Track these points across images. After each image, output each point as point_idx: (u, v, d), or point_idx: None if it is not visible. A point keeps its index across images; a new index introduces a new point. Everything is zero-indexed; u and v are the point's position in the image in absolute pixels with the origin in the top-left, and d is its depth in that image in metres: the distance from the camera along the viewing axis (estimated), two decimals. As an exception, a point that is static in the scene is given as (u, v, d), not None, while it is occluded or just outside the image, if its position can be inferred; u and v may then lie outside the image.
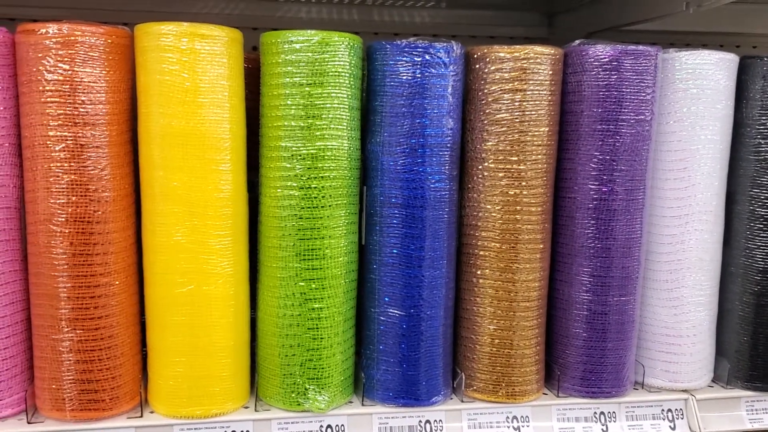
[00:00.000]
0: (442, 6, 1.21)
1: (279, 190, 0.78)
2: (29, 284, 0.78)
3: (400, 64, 0.79)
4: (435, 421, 0.83)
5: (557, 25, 1.26)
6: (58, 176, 0.74)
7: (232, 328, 0.80)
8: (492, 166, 0.81)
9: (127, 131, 0.78)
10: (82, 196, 0.74)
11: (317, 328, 0.79)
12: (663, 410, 0.89)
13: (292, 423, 0.80)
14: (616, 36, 0.82)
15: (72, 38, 0.73)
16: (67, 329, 0.75)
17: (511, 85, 0.80)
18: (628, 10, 1.06)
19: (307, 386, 0.80)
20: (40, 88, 0.73)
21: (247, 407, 0.82)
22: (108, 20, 0.78)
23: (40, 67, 0.73)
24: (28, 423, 0.77)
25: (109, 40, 0.75)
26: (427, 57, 0.78)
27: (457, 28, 1.25)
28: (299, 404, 0.80)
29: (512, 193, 0.81)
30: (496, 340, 0.84)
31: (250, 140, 0.81)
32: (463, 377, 0.85)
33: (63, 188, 0.74)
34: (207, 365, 0.78)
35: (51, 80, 0.73)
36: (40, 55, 0.73)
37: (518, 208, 0.82)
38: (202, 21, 0.75)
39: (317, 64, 0.76)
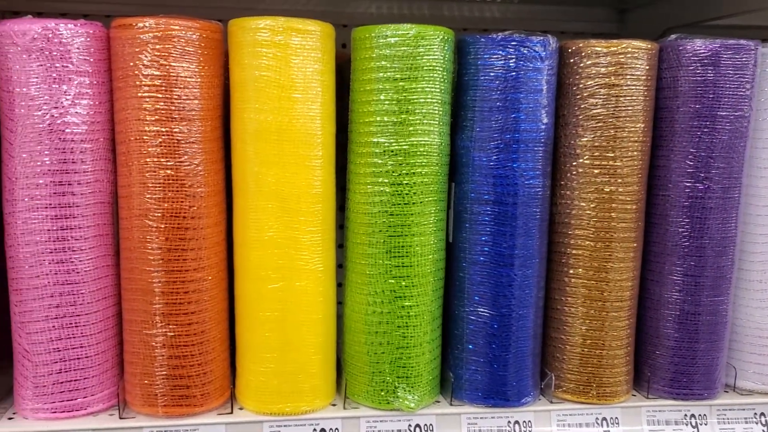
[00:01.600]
0: (514, 1, 1.19)
1: (369, 186, 0.77)
2: (121, 279, 0.78)
3: (495, 58, 0.77)
4: (524, 422, 0.82)
5: (629, 21, 1.23)
6: (154, 172, 0.74)
7: (322, 324, 0.79)
8: (587, 162, 0.80)
9: (219, 127, 0.78)
10: (177, 191, 0.74)
11: (407, 326, 0.78)
12: (756, 414, 0.86)
13: (380, 421, 0.79)
14: (695, 32, 0.80)
15: (169, 33, 0.73)
16: (160, 324, 0.75)
17: (607, 80, 0.78)
18: (713, 5, 1.03)
19: (397, 385, 0.79)
20: (137, 83, 0.73)
21: (334, 405, 0.81)
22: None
23: (137, 62, 0.73)
24: (120, 418, 0.76)
25: (204, 35, 0.74)
26: (523, 50, 0.77)
27: (526, 24, 1.23)
28: (388, 403, 0.79)
29: (607, 190, 0.80)
30: (588, 341, 0.82)
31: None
32: (553, 377, 0.83)
33: (159, 184, 0.74)
34: (297, 361, 0.78)
35: (147, 75, 0.73)
36: (136, 49, 0.73)
37: (613, 205, 0.80)
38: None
39: (412, 58, 0.75)
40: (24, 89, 0.72)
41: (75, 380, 0.76)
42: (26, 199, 0.73)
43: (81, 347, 0.75)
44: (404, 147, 0.76)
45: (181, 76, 0.73)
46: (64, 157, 0.73)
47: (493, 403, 0.81)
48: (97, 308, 0.76)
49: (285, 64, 0.74)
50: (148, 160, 0.74)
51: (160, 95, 0.73)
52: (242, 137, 0.76)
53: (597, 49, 0.78)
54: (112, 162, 0.77)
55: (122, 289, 0.78)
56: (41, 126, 0.72)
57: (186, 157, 0.74)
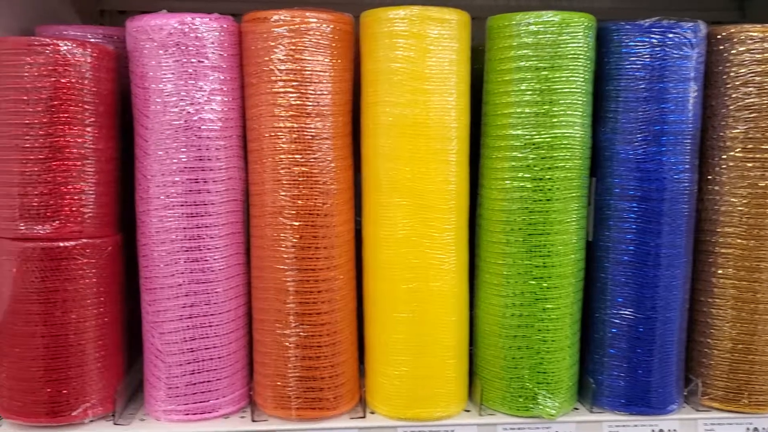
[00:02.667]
0: (625, -11, 1.14)
1: (507, 182, 0.73)
2: (252, 278, 0.76)
3: (641, 45, 0.73)
4: (669, 431, 0.77)
5: (750, 9, 1.17)
6: (288, 168, 0.72)
7: (457, 326, 0.76)
8: (739, 155, 0.74)
9: (350, 122, 0.76)
10: (311, 188, 0.72)
11: (548, 330, 0.74)
12: None
13: (518, 429, 0.76)
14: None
15: (304, 25, 0.71)
16: (294, 324, 0.73)
17: (763, 67, 0.73)
18: None
19: (537, 391, 0.75)
20: (271, 78, 0.71)
21: (467, 411, 0.78)
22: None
23: (271, 56, 0.71)
24: (253, 421, 0.75)
25: (337, 27, 0.72)
26: (671, 37, 0.72)
27: (638, 13, 1.17)
28: (528, 409, 0.75)
29: (762, 184, 0.74)
30: (738, 345, 0.77)
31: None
32: (699, 384, 0.78)
33: (293, 181, 0.72)
34: (432, 365, 0.75)
35: (282, 70, 0.71)
36: (270, 43, 0.71)
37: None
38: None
39: (555, 46, 0.71)
40: (159, 85, 0.71)
41: (207, 381, 0.74)
42: (161, 197, 0.72)
43: (214, 347, 0.74)
44: (546, 139, 0.72)
45: (316, 71, 0.71)
46: (200, 155, 0.72)
47: (636, 411, 0.77)
48: (230, 307, 0.75)
49: (421, 55, 0.71)
50: (282, 156, 0.72)
51: (294, 90, 0.71)
52: (374, 132, 0.73)
53: (752, 34, 0.73)
54: (244, 159, 0.75)
55: (253, 287, 0.76)
56: (177, 123, 0.71)
57: (320, 153, 0.72)
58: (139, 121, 0.73)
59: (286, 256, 0.72)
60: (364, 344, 0.79)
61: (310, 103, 0.71)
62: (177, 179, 0.71)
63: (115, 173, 0.74)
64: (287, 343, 0.73)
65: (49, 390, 0.71)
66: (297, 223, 0.72)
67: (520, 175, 0.73)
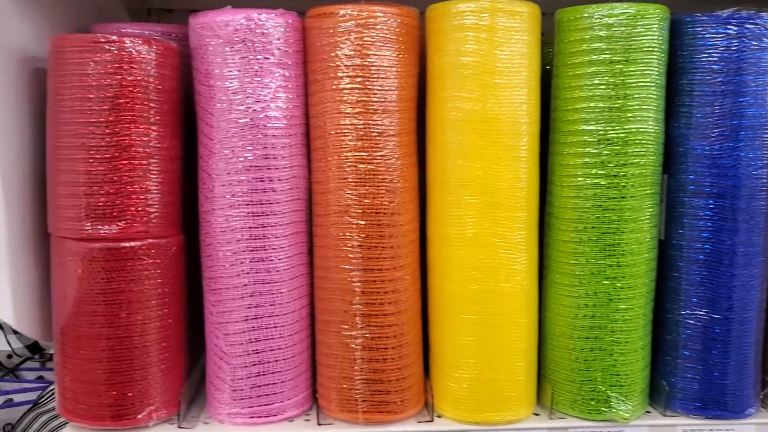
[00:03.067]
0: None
1: (580, 179, 0.71)
2: (315, 278, 0.75)
3: (718, 38, 0.70)
4: (745, 436, 0.74)
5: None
6: (353, 166, 0.70)
7: (527, 328, 0.74)
8: (820, 149, 0.72)
9: (415, 118, 0.74)
10: (378, 186, 0.71)
11: (621, 331, 0.72)
12: None
13: (589, 433, 0.73)
14: None
15: (371, 20, 0.69)
16: (360, 325, 0.71)
17: None
18: None
19: (610, 394, 0.73)
20: (338, 74, 0.70)
21: (536, 414, 0.76)
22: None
23: (337, 52, 0.70)
24: (318, 425, 0.73)
25: (404, 21, 0.71)
26: (750, 28, 0.70)
27: (712, 5, 1.14)
28: (600, 413, 0.73)
29: None
30: (819, 347, 0.74)
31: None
32: (777, 388, 0.76)
33: (359, 179, 0.70)
34: (501, 368, 0.73)
35: (349, 65, 0.69)
36: (337, 39, 0.70)
37: None
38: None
39: (630, 39, 0.69)
40: (225, 83, 0.69)
41: (272, 383, 0.73)
42: (227, 196, 0.70)
43: (279, 349, 0.72)
44: (621, 135, 0.70)
45: (382, 66, 0.70)
46: (266, 153, 0.70)
47: (711, 415, 0.74)
48: (294, 308, 0.73)
49: (491, 49, 0.69)
50: (347, 154, 0.70)
51: (360, 86, 0.70)
52: (442, 128, 0.72)
53: (836, 23, 0.70)
54: (307, 158, 0.74)
55: (316, 288, 0.75)
56: (243, 121, 0.69)
57: (386, 150, 0.70)
58: (203, 119, 0.71)
59: (351, 255, 0.71)
60: (429, 346, 0.77)
61: (376, 99, 0.70)
62: (243, 178, 0.70)
63: (179, 172, 0.73)
64: (353, 345, 0.72)
65: (114, 393, 0.70)
66: (363, 222, 0.70)
67: (594, 171, 0.71)
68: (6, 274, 0.70)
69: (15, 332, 0.99)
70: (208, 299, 0.73)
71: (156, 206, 0.70)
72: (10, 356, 1.14)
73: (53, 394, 0.96)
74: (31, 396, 1.04)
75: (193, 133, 0.74)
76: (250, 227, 0.71)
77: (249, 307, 0.71)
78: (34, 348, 1.01)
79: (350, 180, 0.70)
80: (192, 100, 0.73)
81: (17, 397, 1.04)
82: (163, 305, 0.71)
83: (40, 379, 1.10)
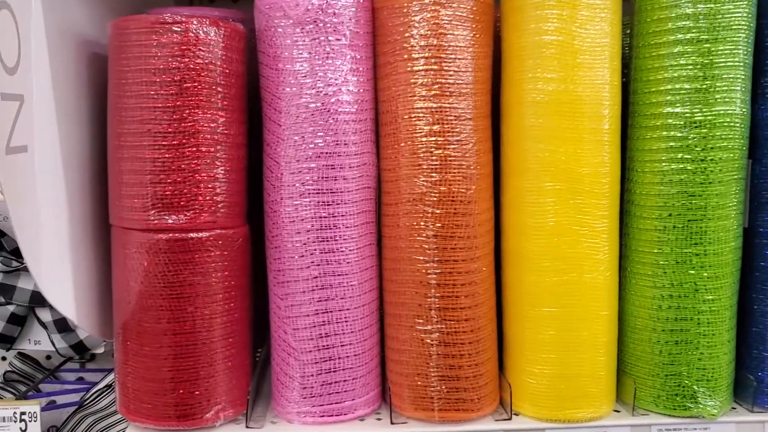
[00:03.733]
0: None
1: (664, 164, 0.68)
2: (384, 270, 0.72)
3: (809, 15, 0.67)
4: (838, 432, 0.71)
5: None
6: (428, 152, 0.67)
7: (609, 321, 0.71)
8: None
9: (490, 101, 0.71)
10: (454, 173, 0.68)
11: (708, 323, 0.69)
12: None
13: (673, 429, 0.70)
14: None
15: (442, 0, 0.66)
16: (435, 320, 0.68)
17: None
18: None
19: (696, 389, 0.69)
20: (413, 55, 0.67)
21: (617, 411, 0.72)
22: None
23: (411, 32, 0.67)
24: (392, 423, 0.70)
25: (479, 0, 0.67)
26: (840, 4, 0.66)
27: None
28: (686, 409, 0.70)
29: None
30: None
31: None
32: None
33: (433, 165, 0.67)
34: (582, 363, 0.69)
35: (421, 46, 0.67)
36: (410, 19, 0.67)
37: None
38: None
39: (717, 16, 0.66)
40: (295, 66, 0.67)
41: (343, 381, 0.69)
42: (297, 185, 0.67)
43: (350, 344, 0.69)
44: (708, 117, 0.67)
45: (458, 47, 0.67)
46: (336, 139, 0.67)
47: (802, 411, 0.71)
48: (364, 301, 0.70)
49: (574, 27, 0.66)
50: (422, 139, 0.67)
51: (435, 68, 0.67)
52: (520, 110, 0.69)
53: None
54: (376, 143, 0.71)
55: (386, 280, 0.72)
56: (314, 106, 0.66)
57: (463, 134, 0.68)
58: (270, 104, 0.68)
59: (426, 246, 0.68)
60: (504, 341, 0.74)
61: (452, 81, 0.67)
62: (313, 165, 0.67)
63: (245, 160, 0.70)
64: (428, 340, 0.69)
65: (180, 391, 0.67)
66: (438, 211, 0.67)
67: (680, 156, 0.67)
68: (68, 267, 0.67)
69: (60, 331, 0.96)
70: (274, 292, 0.70)
71: (223, 195, 0.67)
72: (49, 357, 1.11)
73: (98, 395, 0.94)
74: (74, 397, 1.01)
75: (252, 121, 0.70)
76: (320, 217, 0.68)
77: (319, 301, 0.68)
78: (79, 348, 0.98)
79: (424, 166, 0.67)
80: (254, 85, 0.70)
81: (60, 399, 1.01)
82: (230, 299, 0.68)
83: (81, 380, 1.07)
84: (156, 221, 0.65)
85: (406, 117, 0.68)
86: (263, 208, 0.71)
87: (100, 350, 1.00)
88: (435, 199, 0.67)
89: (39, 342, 1.00)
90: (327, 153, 0.67)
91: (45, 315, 0.96)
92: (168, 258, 0.65)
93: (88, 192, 0.71)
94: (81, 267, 0.69)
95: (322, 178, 0.67)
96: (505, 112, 0.71)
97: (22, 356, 1.07)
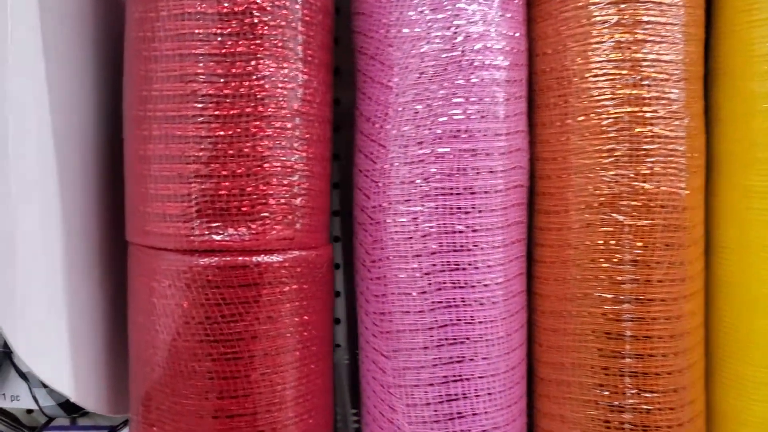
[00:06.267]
0: None
1: None
2: (537, 314, 0.47)
3: None
4: None
5: None
6: (625, 130, 0.43)
7: None
8: None
9: (703, 54, 0.47)
10: (662, 164, 0.43)
11: None
12: None
13: None
14: None
15: None
16: (630, 392, 0.44)
17: None
18: None
19: None
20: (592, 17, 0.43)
21: None
22: None
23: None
24: None
25: None
26: None
27: None
28: None
29: None
30: None
31: None
32: None
33: (633, 151, 0.43)
34: None
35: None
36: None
37: None
38: None
39: None
40: (409, 13, 0.42)
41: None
42: (417, 181, 0.44)
43: (494, 429, 0.44)
44: None
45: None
46: (482, 110, 0.44)
47: None
48: (512, 362, 0.47)
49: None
50: (613, 111, 0.43)
51: (628, 19, 0.42)
52: (745, 71, 0.45)
53: None
54: (528, 126, 0.47)
55: (541, 330, 0.47)
56: (447, 57, 0.43)
57: (675, 105, 0.43)
58: (374, 56, 0.45)
59: (620, 278, 0.43)
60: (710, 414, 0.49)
61: (656, 20, 0.43)
62: (443, 150, 0.43)
63: (331, 143, 0.46)
64: (617, 423, 0.44)
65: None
66: (641, 223, 0.43)
67: None
68: (60, 314, 0.42)
69: (45, 384, 0.70)
70: (374, 347, 0.46)
71: (304, 196, 0.43)
72: (30, 411, 0.86)
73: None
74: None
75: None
76: (452, 231, 0.43)
77: (449, 362, 0.44)
78: (69, 407, 0.72)
79: (618, 153, 0.43)
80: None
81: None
82: (310, 359, 0.44)
83: (73, 442, 0.81)
84: (202, 237, 0.40)
85: (587, 77, 0.43)
86: (346, 218, 0.47)
87: (96, 406, 0.75)
88: (636, 204, 0.43)
89: (17, 398, 0.75)
90: (466, 131, 0.43)
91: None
92: (221, 295, 0.41)
93: (93, 193, 0.46)
94: (80, 313, 0.44)
95: (458, 170, 0.43)
96: (720, 75, 0.47)
97: None
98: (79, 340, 0.44)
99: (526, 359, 0.48)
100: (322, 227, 0.45)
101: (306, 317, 0.44)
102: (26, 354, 0.40)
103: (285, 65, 0.41)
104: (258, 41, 0.40)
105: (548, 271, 0.47)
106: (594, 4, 0.44)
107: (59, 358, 0.42)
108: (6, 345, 0.68)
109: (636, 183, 0.43)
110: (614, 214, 0.44)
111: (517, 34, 0.45)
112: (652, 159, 0.43)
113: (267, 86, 0.41)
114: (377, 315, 0.46)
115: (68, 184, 0.44)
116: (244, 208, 0.41)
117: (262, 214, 0.41)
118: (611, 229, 0.44)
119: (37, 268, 0.41)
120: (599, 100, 0.44)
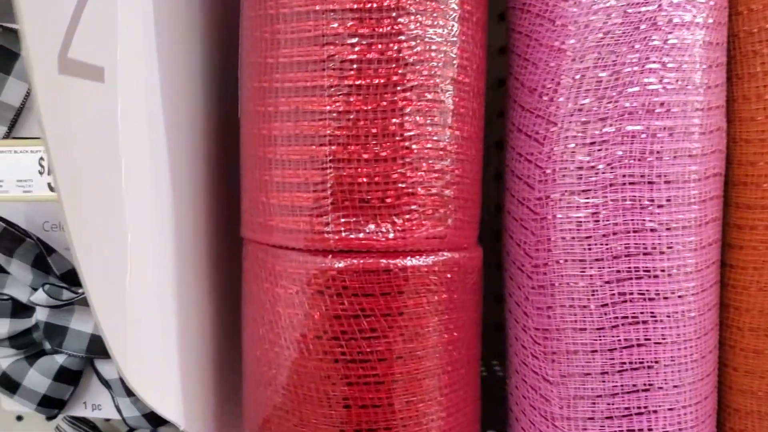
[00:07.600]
0: None
1: None
2: (729, 330, 0.38)
3: None
4: None
5: None
6: None
7: None
8: None
9: None
10: None
11: None
12: None
13: None
14: None
15: None
16: None
17: None
18: None
19: None
20: None
21: None
22: None
23: None
24: None
25: None
26: None
27: None
28: None
29: None
30: None
31: None
32: None
33: None
34: None
35: None
36: None
37: None
38: None
39: None
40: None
41: None
42: (599, 166, 0.35)
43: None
44: None
45: None
46: (681, 78, 0.36)
47: None
48: (704, 392, 0.37)
49: None
50: None
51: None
52: None
53: None
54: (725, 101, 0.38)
55: (735, 351, 0.38)
56: (637, 12, 0.34)
57: None
58: (540, 12, 0.36)
59: None
60: None
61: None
62: (632, 129, 0.34)
63: (482, 141, 0.38)
64: None
65: None
66: None
67: None
68: (171, 328, 0.35)
69: (130, 393, 0.65)
70: (535, 370, 0.38)
71: (457, 187, 0.35)
72: (108, 420, 0.81)
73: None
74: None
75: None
76: (639, 230, 0.34)
77: (632, 391, 0.35)
78: (153, 418, 0.67)
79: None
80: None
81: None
82: (459, 384, 0.36)
83: (153, 455, 0.76)
84: (338, 234, 0.33)
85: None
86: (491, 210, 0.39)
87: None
88: None
89: (99, 407, 0.70)
90: (662, 105, 0.34)
91: (109, 370, 0.66)
92: (359, 305, 0.33)
93: (207, 185, 0.39)
94: (190, 331, 0.37)
95: (651, 153, 0.34)
96: None
97: (74, 419, 0.77)
98: (190, 364, 0.37)
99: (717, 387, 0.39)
100: (474, 224, 0.37)
101: (456, 333, 0.36)
102: (139, 385, 0.33)
103: (440, 22, 0.33)
104: (398, 20, 0.32)
105: (750, 279, 0.38)
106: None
107: (170, 385, 0.36)
108: (89, 350, 0.63)
109: None
110: None
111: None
112: None
113: (418, 48, 0.33)
114: (540, 331, 0.37)
115: (185, 170, 0.37)
116: (388, 200, 0.33)
117: (410, 207, 0.33)
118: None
119: (150, 273, 0.34)
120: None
